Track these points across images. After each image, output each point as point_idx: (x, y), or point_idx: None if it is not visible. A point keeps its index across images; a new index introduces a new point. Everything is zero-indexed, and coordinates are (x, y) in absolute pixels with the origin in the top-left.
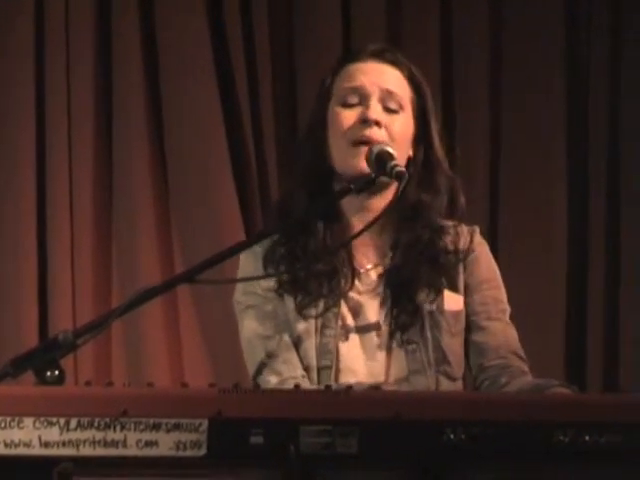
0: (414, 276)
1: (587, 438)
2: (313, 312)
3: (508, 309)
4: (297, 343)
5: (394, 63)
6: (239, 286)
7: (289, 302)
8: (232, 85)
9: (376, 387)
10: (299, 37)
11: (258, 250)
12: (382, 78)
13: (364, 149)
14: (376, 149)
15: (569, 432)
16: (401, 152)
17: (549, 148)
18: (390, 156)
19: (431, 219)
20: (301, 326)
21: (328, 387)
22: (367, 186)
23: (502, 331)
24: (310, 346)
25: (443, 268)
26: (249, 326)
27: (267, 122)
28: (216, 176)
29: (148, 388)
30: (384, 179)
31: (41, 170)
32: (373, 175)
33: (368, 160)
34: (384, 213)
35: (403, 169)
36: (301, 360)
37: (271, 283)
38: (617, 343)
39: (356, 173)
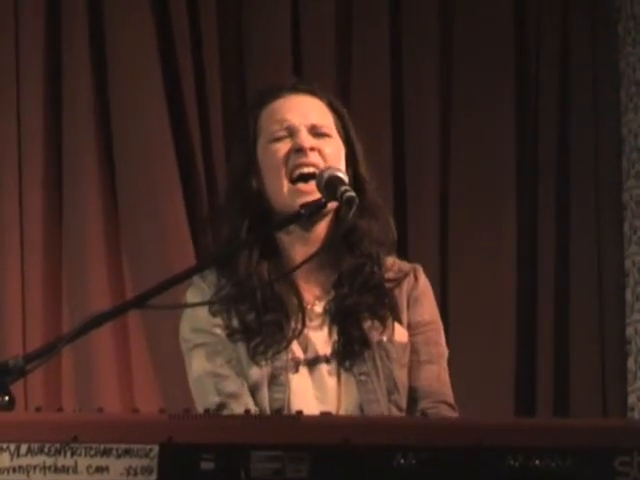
0: (358, 305)
1: (537, 462)
2: (266, 357)
3: (446, 353)
4: (252, 391)
5: (312, 93)
6: (186, 324)
7: (241, 347)
8: (181, 101)
9: (327, 413)
10: (248, 50)
11: (204, 286)
12: (306, 113)
13: (302, 187)
14: (326, 174)
15: (519, 457)
16: None
17: (499, 182)
18: (340, 181)
19: (369, 247)
20: (254, 372)
21: (279, 412)
22: (318, 211)
23: (437, 376)
24: (263, 387)
25: (387, 297)
26: (198, 364)
27: (217, 138)
28: (166, 196)
29: (98, 413)
30: (333, 204)
31: None
32: (323, 200)
33: (318, 185)
34: (333, 239)
35: (353, 194)
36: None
37: (221, 323)
38: (567, 367)
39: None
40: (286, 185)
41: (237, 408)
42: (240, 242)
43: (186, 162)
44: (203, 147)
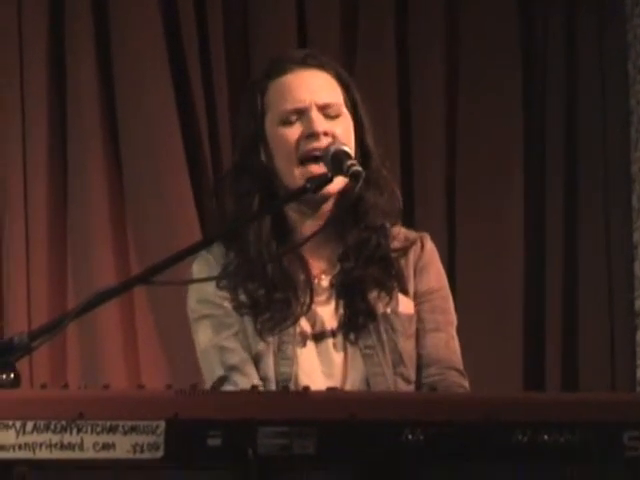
0: (364, 277)
1: (546, 437)
2: (273, 333)
3: (455, 321)
4: (256, 360)
5: (320, 66)
6: (193, 294)
7: (247, 321)
8: (187, 84)
9: (334, 388)
10: (254, 34)
11: (210, 258)
12: (316, 90)
13: (314, 168)
14: (332, 148)
15: (528, 431)
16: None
17: (506, 156)
18: (347, 155)
19: (375, 219)
20: (261, 344)
21: (285, 388)
22: (324, 185)
23: (445, 344)
24: (268, 357)
25: (393, 268)
26: (204, 336)
27: (223, 119)
28: (172, 176)
29: (104, 390)
30: (340, 179)
31: None
32: (329, 174)
33: (324, 159)
34: (339, 212)
35: (360, 168)
36: (259, 373)
37: (228, 296)
38: (576, 341)
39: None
40: (297, 169)
41: (241, 381)
42: (250, 216)
43: (192, 146)
44: (209, 130)
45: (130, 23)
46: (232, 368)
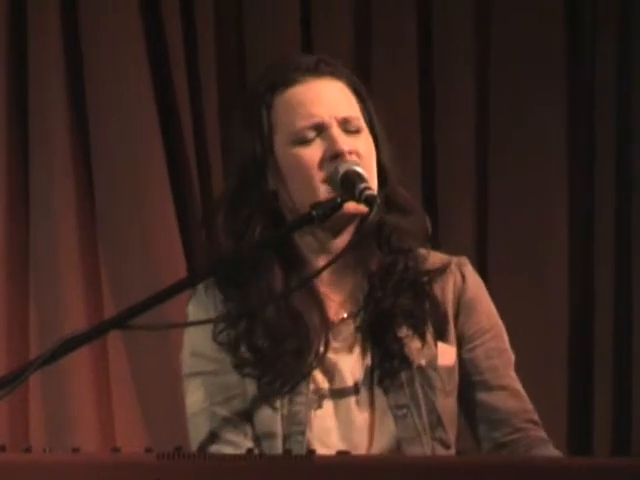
0: (394, 309)
1: None
2: (282, 395)
3: (513, 357)
4: (262, 436)
5: (333, 74)
6: (187, 345)
7: (249, 383)
8: (172, 95)
9: (344, 452)
10: (250, 38)
11: (209, 302)
12: (334, 104)
13: None
14: (342, 168)
15: None
16: (371, 173)
17: (549, 160)
18: (359, 177)
19: (400, 241)
20: (265, 412)
21: (287, 452)
22: (332, 212)
23: (513, 393)
24: (274, 420)
25: (427, 297)
26: (195, 397)
27: (212, 133)
28: (153, 198)
29: (73, 454)
30: (351, 204)
31: None
32: (339, 200)
33: (332, 181)
34: (355, 243)
35: (374, 192)
36: (254, 429)
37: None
38: (629, 397)
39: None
40: (319, 187)
41: (229, 452)
42: (252, 250)
43: (176, 161)
44: (196, 143)
45: (105, 27)
46: (225, 442)
